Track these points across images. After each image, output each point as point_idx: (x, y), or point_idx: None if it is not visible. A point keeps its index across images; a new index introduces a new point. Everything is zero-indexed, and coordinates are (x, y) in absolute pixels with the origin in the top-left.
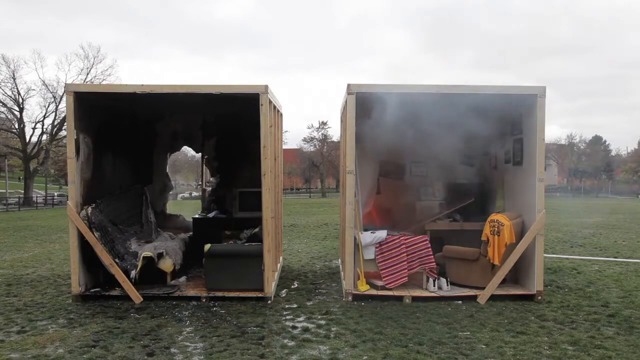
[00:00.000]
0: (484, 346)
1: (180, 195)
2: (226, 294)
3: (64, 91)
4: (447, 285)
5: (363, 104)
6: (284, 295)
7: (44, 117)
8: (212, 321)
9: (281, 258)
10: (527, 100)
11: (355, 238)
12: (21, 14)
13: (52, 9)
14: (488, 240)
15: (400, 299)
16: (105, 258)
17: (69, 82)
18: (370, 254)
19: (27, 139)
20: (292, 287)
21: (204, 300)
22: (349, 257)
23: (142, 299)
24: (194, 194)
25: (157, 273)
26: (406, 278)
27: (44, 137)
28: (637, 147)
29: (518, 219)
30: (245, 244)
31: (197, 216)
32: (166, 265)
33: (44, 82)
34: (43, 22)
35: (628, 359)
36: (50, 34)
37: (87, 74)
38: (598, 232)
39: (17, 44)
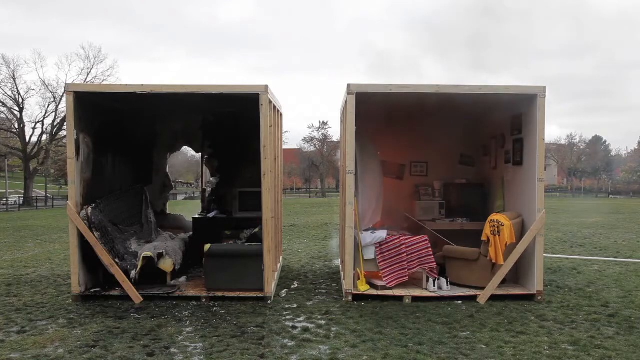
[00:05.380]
0: (484, 346)
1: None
2: (226, 294)
3: (64, 91)
4: (447, 285)
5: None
6: (284, 295)
7: (44, 117)
8: (212, 321)
9: (281, 258)
10: (527, 100)
11: (355, 238)
12: (25, 16)
13: (55, 12)
14: (488, 240)
15: (400, 299)
16: (105, 258)
17: (69, 82)
18: (370, 254)
19: (27, 139)
20: (292, 287)
21: (204, 300)
22: (349, 257)
23: (142, 299)
24: None
25: (157, 273)
26: (406, 277)
27: (44, 137)
28: (637, 147)
29: (518, 219)
30: (245, 244)
31: (197, 216)
32: (166, 265)
33: (44, 82)
34: (46, 24)
35: (628, 359)
36: (52, 36)
37: (88, 74)
38: (598, 232)
39: (20, 45)
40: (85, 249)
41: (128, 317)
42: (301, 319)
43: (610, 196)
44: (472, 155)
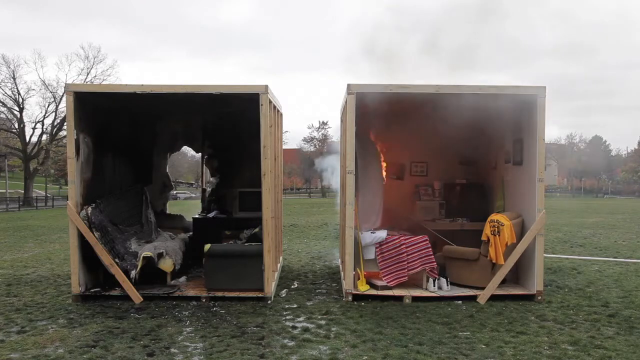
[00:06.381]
0: (484, 346)
1: None
2: (226, 294)
3: (64, 91)
4: (447, 285)
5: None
6: (284, 295)
7: (44, 117)
8: (212, 321)
9: (281, 258)
10: (527, 100)
11: (355, 238)
12: (25, 16)
13: (56, 12)
14: (488, 240)
15: (400, 299)
16: (105, 258)
17: (69, 82)
18: (370, 254)
19: (27, 139)
20: (292, 287)
21: (204, 300)
22: (349, 257)
23: (142, 299)
24: None
25: (157, 273)
26: (406, 277)
27: (44, 137)
28: (637, 147)
29: (518, 219)
30: (245, 244)
31: (197, 216)
32: (166, 265)
33: (44, 82)
34: (47, 24)
35: (628, 359)
36: (53, 36)
37: (87, 74)
38: (598, 232)
39: (20, 46)
40: (85, 249)
41: (128, 317)
42: (301, 319)
43: (605, 196)
44: (473, 155)
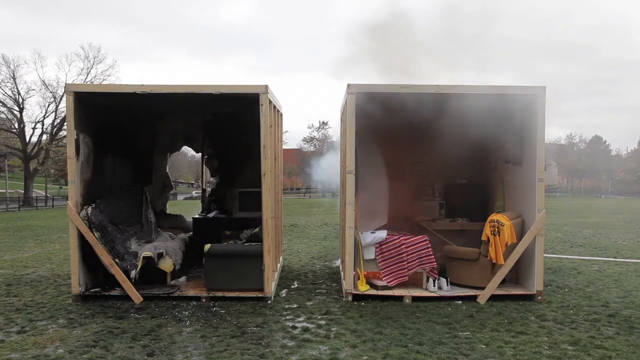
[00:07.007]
0: (484, 346)
1: None
2: (226, 294)
3: (64, 91)
4: (447, 285)
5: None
6: (284, 295)
7: (44, 117)
8: (212, 321)
9: (281, 258)
10: (528, 100)
11: (355, 238)
12: (26, 16)
13: (56, 13)
14: (488, 240)
15: (400, 299)
16: (105, 258)
17: (69, 82)
18: (370, 254)
19: (27, 139)
20: (292, 287)
21: (204, 300)
22: (349, 257)
23: (142, 299)
24: None
25: (157, 273)
26: (406, 277)
27: (44, 137)
28: (637, 147)
29: (518, 219)
30: (245, 244)
31: (197, 216)
32: (166, 265)
33: (44, 82)
34: (48, 25)
35: (628, 359)
36: (53, 36)
37: (87, 74)
38: (598, 232)
39: (20, 46)
40: (85, 249)
41: (128, 317)
42: (301, 319)
43: (602, 196)
44: (473, 155)
